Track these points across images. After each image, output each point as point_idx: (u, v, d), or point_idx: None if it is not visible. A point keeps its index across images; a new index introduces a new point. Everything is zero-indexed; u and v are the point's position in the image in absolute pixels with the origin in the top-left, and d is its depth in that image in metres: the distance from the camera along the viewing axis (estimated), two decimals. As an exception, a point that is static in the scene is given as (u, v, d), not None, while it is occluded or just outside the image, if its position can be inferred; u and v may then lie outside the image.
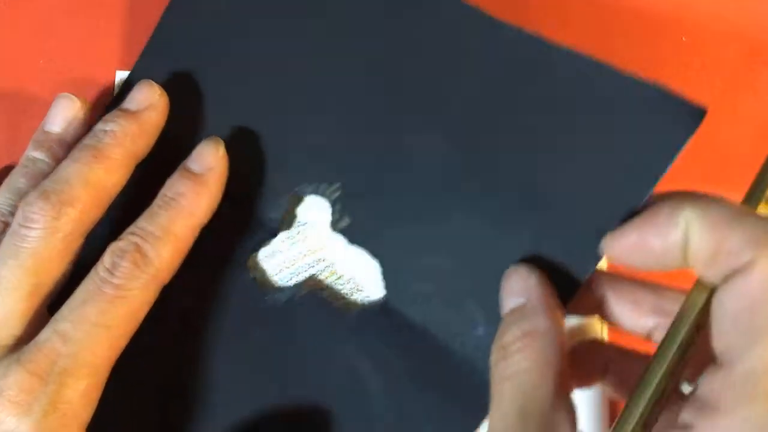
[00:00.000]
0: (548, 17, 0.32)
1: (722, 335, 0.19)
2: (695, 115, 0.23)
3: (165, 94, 0.28)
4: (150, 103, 0.28)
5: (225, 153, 0.27)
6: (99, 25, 0.32)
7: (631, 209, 0.23)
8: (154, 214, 0.26)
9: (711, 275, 0.20)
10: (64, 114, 0.29)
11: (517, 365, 0.21)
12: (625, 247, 0.22)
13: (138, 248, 0.25)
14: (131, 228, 0.26)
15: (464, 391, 0.25)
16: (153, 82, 0.28)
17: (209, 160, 0.27)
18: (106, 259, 0.25)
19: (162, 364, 0.28)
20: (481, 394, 0.23)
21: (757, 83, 0.31)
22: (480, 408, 0.23)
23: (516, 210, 0.25)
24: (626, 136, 0.24)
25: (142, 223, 0.26)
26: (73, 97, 0.29)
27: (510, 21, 0.27)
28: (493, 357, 0.22)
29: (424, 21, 0.27)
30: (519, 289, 0.23)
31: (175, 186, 0.26)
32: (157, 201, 0.26)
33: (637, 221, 0.22)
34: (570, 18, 0.32)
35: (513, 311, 0.23)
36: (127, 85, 0.30)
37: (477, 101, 0.26)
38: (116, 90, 0.32)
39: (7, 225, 0.26)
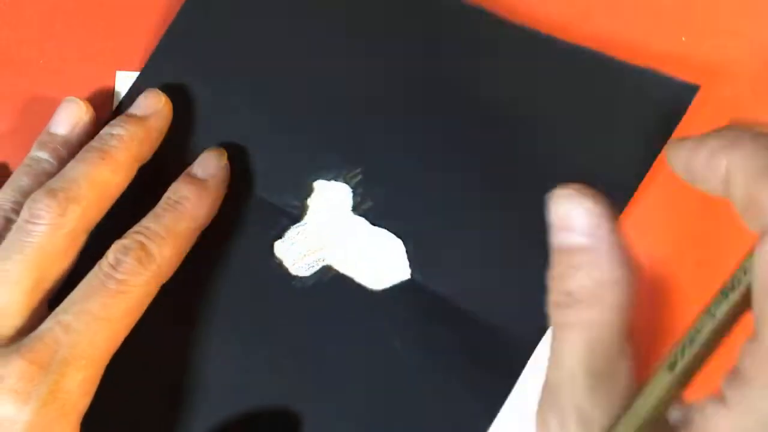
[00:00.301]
0: (548, 17, 0.32)
1: (757, 303, 0.18)
2: (689, 91, 0.28)
3: (169, 102, 0.29)
4: (155, 109, 0.29)
5: (227, 162, 0.29)
6: (99, 25, 0.32)
7: (639, 180, 0.27)
8: (159, 216, 0.27)
9: (751, 227, 0.19)
10: (69, 117, 0.30)
11: (585, 316, 0.20)
12: (680, 163, 0.22)
13: (142, 246, 0.25)
14: (136, 228, 0.26)
15: (497, 357, 0.27)
16: (159, 90, 0.30)
17: (213, 168, 0.28)
18: (110, 255, 0.25)
19: (186, 348, 0.28)
20: (513, 358, 0.25)
21: (757, 83, 0.31)
22: (512, 372, 0.25)
23: (532, 178, 0.28)
24: (630, 116, 0.28)
25: (147, 223, 0.26)
26: (79, 100, 0.30)
27: (512, 21, 0.30)
28: (555, 299, 0.20)
29: (436, 20, 0.30)
30: (583, 225, 0.20)
31: (180, 190, 0.27)
32: (162, 203, 0.27)
33: (690, 143, 0.21)
34: (570, 18, 0.32)
35: (578, 252, 0.20)
36: (137, 87, 0.31)
37: (491, 89, 0.29)
38: (116, 90, 0.32)
39: (8, 221, 0.27)
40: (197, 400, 0.28)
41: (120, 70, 0.32)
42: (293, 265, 0.29)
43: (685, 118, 0.31)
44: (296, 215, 0.29)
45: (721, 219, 0.30)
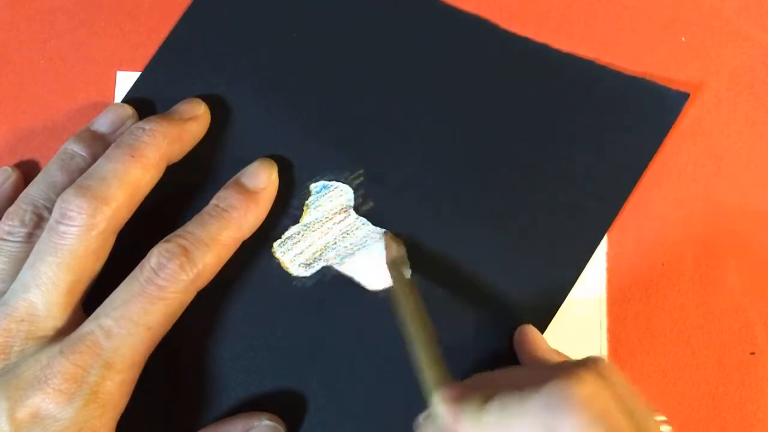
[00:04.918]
0: (549, 17, 0.32)
1: None
2: (680, 99, 0.30)
3: (209, 111, 0.29)
4: (194, 114, 0.29)
5: (277, 176, 0.29)
6: (99, 25, 0.32)
7: (632, 185, 0.29)
8: (205, 222, 0.26)
9: None
10: (112, 118, 0.30)
11: None
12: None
13: (186, 252, 0.25)
14: (180, 231, 0.26)
15: (495, 355, 0.28)
16: (199, 99, 0.29)
17: (263, 180, 0.28)
18: (153, 259, 0.25)
19: (186, 347, 0.28)
20: (510, 357, 0.26)
21: (756, 83, 0.31)
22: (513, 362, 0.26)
23: (530, 181, 0.29)
24: (624, 123, 0.30)
25: (192, 228, 0.26)
26: (125, 105, 0.30)
27: (513, 22, 0.32)
28: None
29: (437, 27, 0.31)
30: None
31: (228, 198, 0.27)
32: (209, 209, 0.27)
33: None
34: (571, 18, 0.32)
35: None
36: (138, 86, 0.31)
37: (489, 94, 0.30)
38: (116, 90, 0.32)
39: (41, 218, 0.27)
40: (197, 399, 0.28)
41: (120, 70, 0.32)
42: (293, 265, 0.29)
43: (685, 119, 0.31)
44: (297, 216, 0.29)
45: (721, 219, 0.30)
